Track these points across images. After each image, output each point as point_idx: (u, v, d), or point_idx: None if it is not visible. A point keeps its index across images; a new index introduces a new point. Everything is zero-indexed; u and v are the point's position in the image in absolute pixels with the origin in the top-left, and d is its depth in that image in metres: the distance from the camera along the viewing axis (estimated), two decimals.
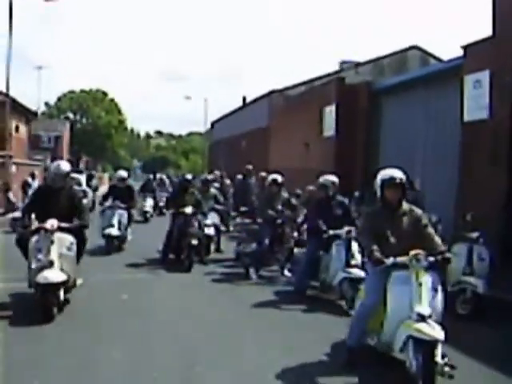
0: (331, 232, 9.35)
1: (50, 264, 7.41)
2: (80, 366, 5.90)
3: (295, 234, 12.15)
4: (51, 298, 7.32)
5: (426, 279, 5.71)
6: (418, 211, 6.22)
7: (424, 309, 5.50)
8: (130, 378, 5.69)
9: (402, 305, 5.67)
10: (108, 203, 14.28)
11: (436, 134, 16.35)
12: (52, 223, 7.64)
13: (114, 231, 13.63)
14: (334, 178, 10.02)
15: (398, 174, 6.21)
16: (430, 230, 6.12)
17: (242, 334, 7.40)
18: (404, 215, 6.16)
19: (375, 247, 5.88)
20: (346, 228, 9.31)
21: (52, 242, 7.56)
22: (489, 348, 7.11)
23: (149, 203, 23.03)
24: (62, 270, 7.54)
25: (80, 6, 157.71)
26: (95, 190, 26.79)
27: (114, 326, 7.52)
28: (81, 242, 8.20)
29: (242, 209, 13.86)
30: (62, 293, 7.56)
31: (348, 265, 9.03)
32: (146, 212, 22.49)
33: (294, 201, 12.48)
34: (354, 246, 9.26)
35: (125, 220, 14.07)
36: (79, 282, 8.40)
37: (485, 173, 13.02)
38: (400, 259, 5.76)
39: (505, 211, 11.75)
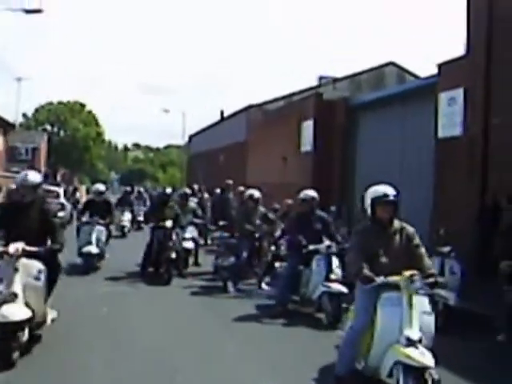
0: (311, 247, 9.44)
1: (13, 297, 6.14)
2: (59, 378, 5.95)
3: (273, 247, 12.32)
4: (11, 340, 5.97)
5: (418, 302, 5.48)
6: (410, 229, 5.93)
7: (414, 333, 5.25)
8: None
9: (392, 328, 5.41)
10: (85, 218, 13.48)
11: (412, 149, 16.62)
12: (16, 247, 6.33)
13: (94, 249, 12.77)
14: (313, 193, 10.11)
15: (390, 190, 5.89)
16: (422, 250, 5.85)
17: (221, 348, 7.47)
18: (395, 233, 5.89)
19: (364, 265, 5.61)
20: (327, 243, 9.45)
21: (16, 270, 6.25)
22: (463, 360, 7.29)
23: (126, 217, 22.49)
24: (26, 304, 6.25)
25: (62, 18, 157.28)
26: (77, 202, 26.35)
27: (93, 338, 7.56)
28: (53, 268, 6.81)
29: (221, 223, 13.98)
30: (26, 332, 6.22)
31: (328, 279, 9.13)
32: (123, 226, 21.84)
33: (271, 215, 12.73)
34: (334, 260, 9.39)
35: (103, 237, 13.33)
36: (51, 316, 7.13)
37: (458, 189, 13.31)
38: (392, 279, 5.49)
39: (477, 225, 12.01)
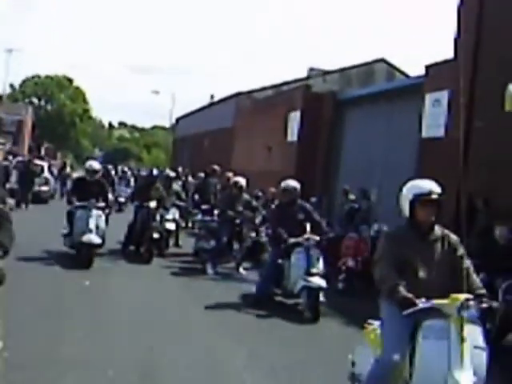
0: (291, 240, 9.24)
1: None
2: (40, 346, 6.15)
3: (253, 234, 12.61)
4: None
5: (469, 333, 4.21)
6: (454, 237, 4.80)
7: (466, 375, 4.06)
8: (84, 371, 5.67)
9: (437, 367, 4.18)
10: (78, 202, 11.51)
11: (396, 147, 16.92)
12: None
13: (95, 238, 11.01)
14: (295, 184, 9.93)
15: (436, 187, 4.74)
16: (468, 263, 4.66)
17: (197, 329, 7.72)
18: (437, 242, 4.71)
19: (401, 282, 4.38)
20: (306, 235, 9.25)
21: None
22: None
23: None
24: None
25: None
26: (66, 178, 25.86)
27: (75, 306, 7.84)
28: None
29: (203, 207, 14.18)
30: None
31: (308, 273, 8.94)
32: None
33: (254, 203, 12.97)
34: (315, 253, 9.21)
35: (102, 223, 11.56)
36: None
37: None
38: (439, 302, 4.26)
39: (454, 226, 12.31)
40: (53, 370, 5.50)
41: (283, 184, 10.10)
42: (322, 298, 8.79)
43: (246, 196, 12.61)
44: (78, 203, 11.48)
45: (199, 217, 13.96)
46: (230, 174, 15.02)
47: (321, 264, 9.21)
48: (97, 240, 10.99)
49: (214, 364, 6.37)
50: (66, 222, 11.67)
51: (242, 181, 12.45)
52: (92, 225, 11.08)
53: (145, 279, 10.67)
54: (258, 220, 12.78)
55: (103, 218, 11.65)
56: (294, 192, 9.88)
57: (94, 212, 11.29)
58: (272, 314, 8.87)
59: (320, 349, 7.35)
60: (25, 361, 5.61)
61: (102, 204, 11.62)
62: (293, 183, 10.01)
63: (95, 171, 12.17)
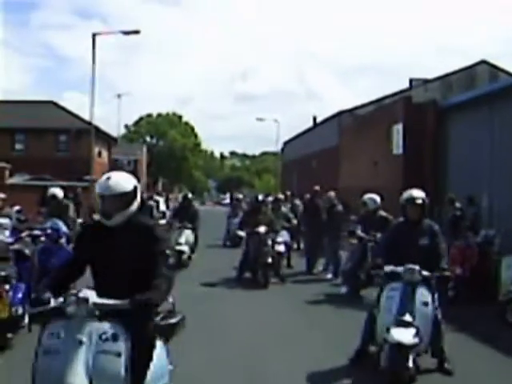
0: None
1: None
2: None
3: None
4: None
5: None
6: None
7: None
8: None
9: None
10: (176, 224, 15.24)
11: (502, 150, 16.54)
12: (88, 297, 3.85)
13: (184, 247, 14.33)
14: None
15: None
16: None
17: (312, 358, 7.15)
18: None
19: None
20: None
21: (80, 344, 3.70)
22: None
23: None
24: None
25: (156, 36, 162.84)
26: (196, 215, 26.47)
27: (191, 331, 8.05)
28: (141, 348, 3.97)
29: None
30: None
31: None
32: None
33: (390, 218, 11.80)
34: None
35: (191, 239, 14.87)
36: None
37: None
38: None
39: None
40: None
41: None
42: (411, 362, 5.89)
43: (382, 213, 11.64)
44: (177, 225, 15.30)
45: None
46: (332, 194, 14.94)
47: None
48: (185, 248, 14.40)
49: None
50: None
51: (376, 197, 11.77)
52: (182, 239, 14.47)
53: (261, 304, 10.57)
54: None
55: (191, 236, 14.98)
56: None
57: (185, 231, 14.84)
58: None
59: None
60: None
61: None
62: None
63: (186, 199, 16.22)
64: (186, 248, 14.43)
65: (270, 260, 12.43)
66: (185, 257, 14.32)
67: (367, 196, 11.59)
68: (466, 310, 10.04)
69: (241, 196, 27.41)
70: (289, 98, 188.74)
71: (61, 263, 8.00)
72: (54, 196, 10.91)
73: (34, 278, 8.18)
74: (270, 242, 12.82)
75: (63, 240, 9.33)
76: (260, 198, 14.45)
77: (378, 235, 10.66)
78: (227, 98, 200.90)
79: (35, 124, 37.06)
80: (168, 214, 24.93)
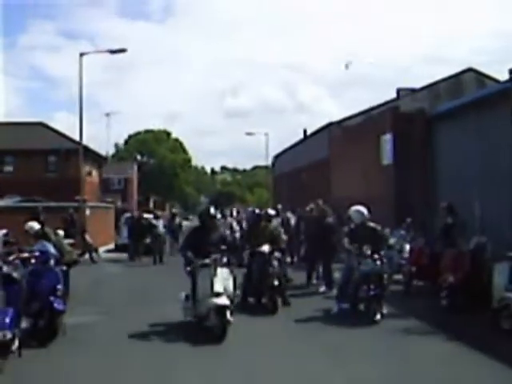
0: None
1: None
2: None
3: None
4: None
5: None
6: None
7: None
8: None
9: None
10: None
11: (492, 155, 16.55)
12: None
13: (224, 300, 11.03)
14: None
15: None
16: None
17: None
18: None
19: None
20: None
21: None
22: None
23: None
24: None
25: (142, 54, 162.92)
26: (179, 227, 25.93)
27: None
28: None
29: None
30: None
31: None
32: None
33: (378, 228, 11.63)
34: None
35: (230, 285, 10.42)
36: None
37: None
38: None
39: None
40: None
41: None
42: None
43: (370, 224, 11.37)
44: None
45: None
46: (320, 202, 14.87)
47: None
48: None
49: None
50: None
51: (363, 210, 11.43)
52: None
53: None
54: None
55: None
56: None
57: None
58: None
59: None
60: None
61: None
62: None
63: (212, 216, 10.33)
64: (227, 302, 8.98)
65: (276, 282, 11.18)
66: (228, 316, 8.91)
67: (353, 209, 11.43)
68: (460, 318, 10.07)
69: (234, 212, 26.57)
70: (279, 112, 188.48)
71: (50, 285, 8.08)
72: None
73: (23, 301, 8.12)
74: (275, 262, 11.54)
75: (52, 262, 9.25)
76: (257, 211, 14.16)
77: (365, 247, 10.51)
78: (217, 113, 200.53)
79: (24, 145, 37.01)
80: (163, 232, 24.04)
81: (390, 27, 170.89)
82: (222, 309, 8.73)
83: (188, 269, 9.59)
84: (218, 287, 8.94)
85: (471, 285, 10.43)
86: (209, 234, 9.83)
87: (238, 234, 19.55)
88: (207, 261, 9.28)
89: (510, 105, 14.79)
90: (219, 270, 9.19)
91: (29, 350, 7.80)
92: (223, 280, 9.13)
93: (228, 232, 16.77)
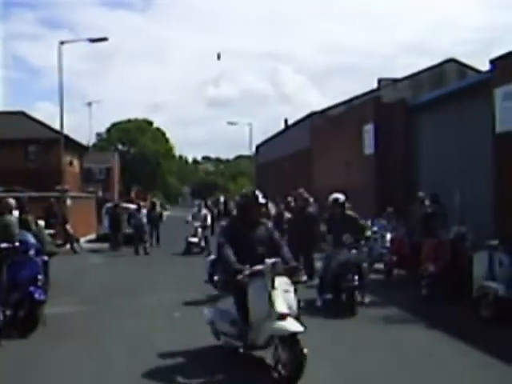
0: None
1: None
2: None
3: None
4: None
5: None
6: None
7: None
8: None
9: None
10: None
11: (472, 146, 16.66)
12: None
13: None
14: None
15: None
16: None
17: None
18: None
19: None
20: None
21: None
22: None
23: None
24: None
25: (125, 42, 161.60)
26: (156, 220, 24.57)
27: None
28: None
29: None
30: None
31: None
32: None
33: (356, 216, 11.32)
34: None
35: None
36: None
37: None
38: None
39: None
40: None
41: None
42: None
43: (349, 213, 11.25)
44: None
45: None
46: (301, 190, 14.75)
47: None
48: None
49: None
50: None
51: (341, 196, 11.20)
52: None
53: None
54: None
55: None
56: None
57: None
58: None
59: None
60: None
61: None
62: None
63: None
64: (299, 327, 6.33)
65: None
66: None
67: (332, 196, 11.11)
68: (440, 307, 10.14)
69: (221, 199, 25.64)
70: (261, 102, 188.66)
71: (30, 275, 7.99)
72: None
73: (3, 291, 8.06)
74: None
75: (32, 252, 9.15)
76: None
77: (345, 236, 10.30)
78: (199, 103, 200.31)
79: (4, 135, 36.57)
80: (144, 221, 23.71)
81: (374, 17, 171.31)
82: (291, 338, 6.19)
83: (228, 281, 6.97)
84: (280, 306, 6.38)
85: (451, 274, 10.50)
86: (254, 229, 7.22)
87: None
88: (260, 267, 6.62)
89: (491, 95, 14.84)
90: (277, 281, 6.60)
91: (9, 340, 7.79)
92: (284, 294, 6.56)
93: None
